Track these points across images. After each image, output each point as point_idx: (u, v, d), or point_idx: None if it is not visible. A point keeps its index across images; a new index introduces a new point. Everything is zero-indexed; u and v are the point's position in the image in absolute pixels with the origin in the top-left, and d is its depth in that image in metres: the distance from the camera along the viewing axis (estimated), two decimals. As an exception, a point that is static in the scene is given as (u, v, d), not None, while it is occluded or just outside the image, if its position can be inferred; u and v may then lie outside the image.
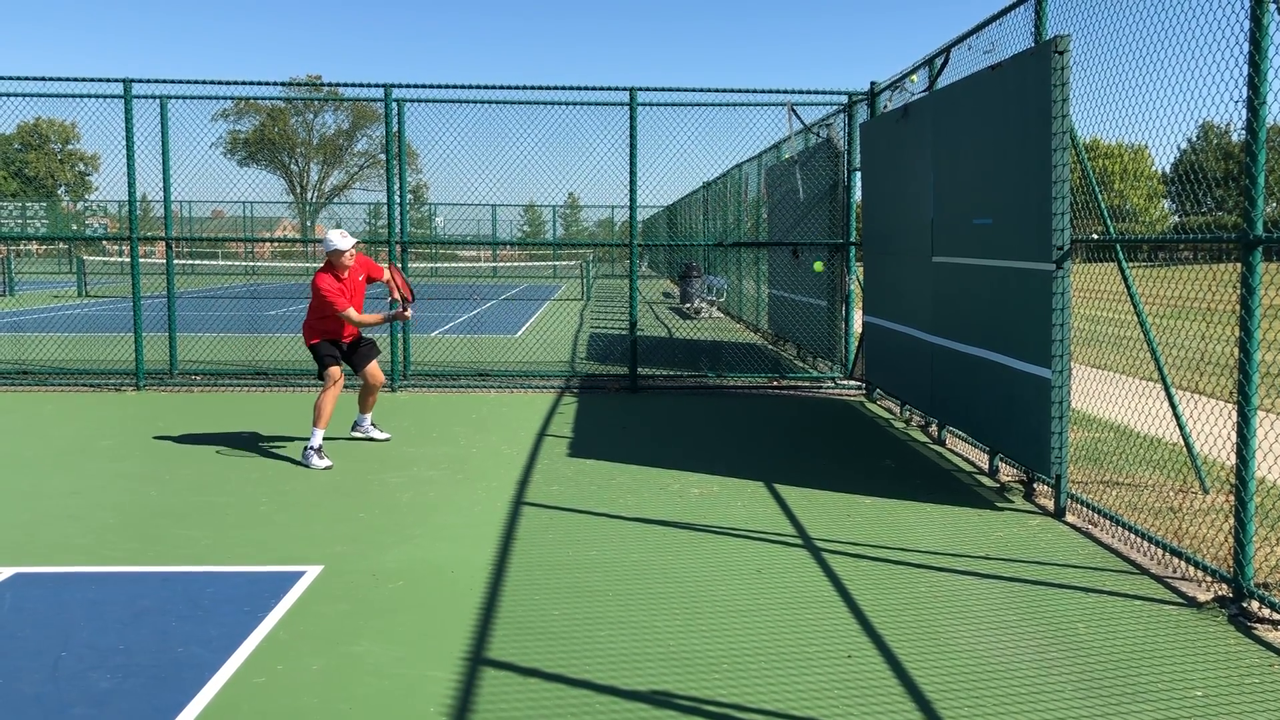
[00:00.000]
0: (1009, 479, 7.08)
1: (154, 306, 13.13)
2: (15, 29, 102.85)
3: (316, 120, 69.11)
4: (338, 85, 13.41)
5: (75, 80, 11.01)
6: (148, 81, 10.96)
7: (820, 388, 11.56)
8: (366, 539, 5.70)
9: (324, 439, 7.66)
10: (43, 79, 11.02)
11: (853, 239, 11.47)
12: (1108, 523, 5.90)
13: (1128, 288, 6.37)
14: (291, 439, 8.35)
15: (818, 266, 6.61)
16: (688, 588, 4.92)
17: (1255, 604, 4.54)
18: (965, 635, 4.33)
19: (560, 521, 6.07)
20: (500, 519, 6.10)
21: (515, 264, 44.25)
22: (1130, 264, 6.44)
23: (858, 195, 11.10)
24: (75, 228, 48.69)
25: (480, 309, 23.24)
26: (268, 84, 12.31)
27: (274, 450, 7.99)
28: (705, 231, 23.68)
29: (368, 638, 4.30)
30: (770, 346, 15.38)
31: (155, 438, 8.45)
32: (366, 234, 10.08)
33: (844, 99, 11.38)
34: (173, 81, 11.11)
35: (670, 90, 11.50)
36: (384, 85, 10.94)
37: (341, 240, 7.74)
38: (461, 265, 41.96)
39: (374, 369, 8.15)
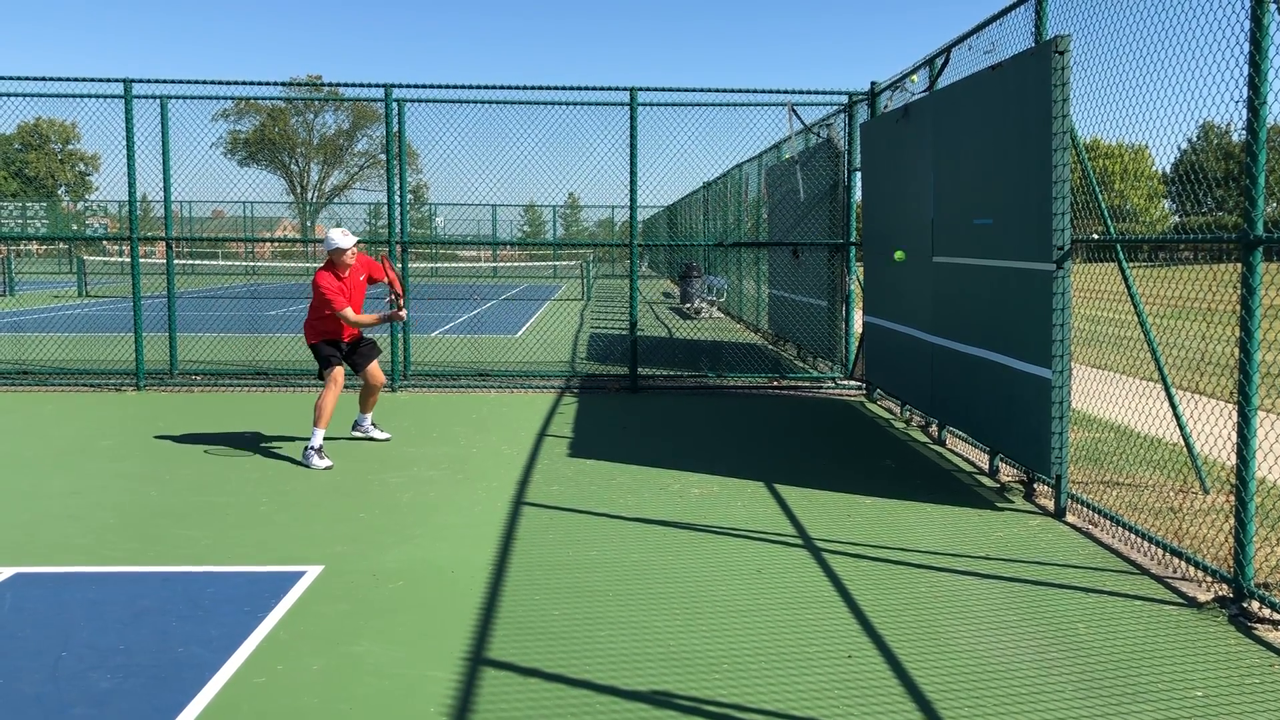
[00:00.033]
0: (1009, 479, 7.08)
1: (154, 306, 13.13)
2: (15, 29, 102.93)
3: (317, 120, 69.17)
4: (338, 85, 13.41)
5: (75, 80, 11.02)
6: (148, 81, 10.97)
7: (820, 388, 11.56)
8: (367, 539, 5.70)
9: (324, 439, 7.66)
10: (43, 79, 11.02)
11: (853, 239, 11.47)
12: (1108, 523, 5.90)
13: (1128, 288, 6.37)
14: (292, 439, 8.35)
15: (899, 255, 6.52)
16: (688, 588, 4.92)
17: (1255, 604, 4.54)
18: (965, 635, 4.33)
19: (560, 521, 6.07)
20: (500, 519, 6.10)
21: (515, 264, 44.26)
22: (1130, 264, 6.44)
23: (858, 195, 11.10)
24: (75, 228, 48.70)
25: (480, 309, 23.24)
26: (268, 84, 12.33)
27: (274, 450, 7.99)
28: (705, 231, 23.68)
29: (368, 638, 4.30)
30: (770, 347, 15.38)
31: (155, 438, 8.45)
32: (366, 234, 10.09)
33: (844, 99, 11.38)
34: (173, 81, 11.12)
35: (671, 90, 11.51)
36: (384, 85, 10.95)
37: (343, 239, 7.74)
38: (462, 265, 41.96)
39: (375, 369, 8.15)
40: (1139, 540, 5.55)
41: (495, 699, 3.73)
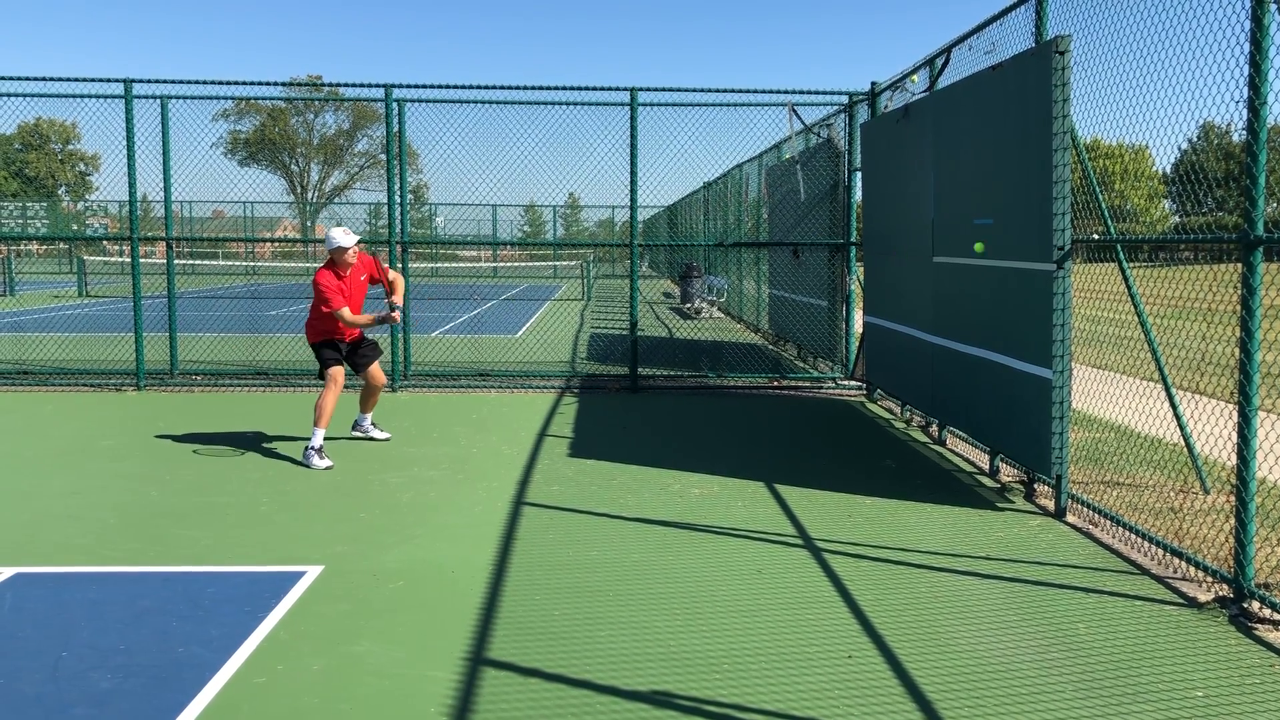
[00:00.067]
0: (1009, 479, 7.08)
1: (154, 306, 13.13)
2: (15, 29, 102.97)
3: (317, 120, 69.20)
4: (338, 85, 13.42)
5: (76, 80, 11.02)
6: (148, 81, 10.97)
7: (821, 388, 11.56)
8: (367, 539, 5.70)
9: (324, 439, 7.66)
10: (43, 79, 11.03)
11: (853, 239, 11.47)
12: (1108, 523, 5.90)
13: (1128, 288, 6.37)
14: (292, 439, 8.36)
15: (979, 248, 6.49)
16: (688, 588, 4.92)
17: (1256, 604, 4.54)
18: (966, 635, 4.33)
19: (561, 521, 6.07)
20: (501, 519, 6.10)
21: (516, 264, 44.26)
22: (1131, 264, 6.44)
23: (858, 195, 11.10)
24: (76, 228, 48.71)
25: (481, 309, 23.25)
26: (268, 84, 12.33)
27: (274, 450, 7.99)
28: (706, 231, 23.68)
29: (368, 638, 4.30)
30: (771, 347, 15.38)
31: (155, 438, 8.45)
32: (367, 234, 10.11)
33: (844, 99, 11.38)
34: (173, 81, 11.12)
35: (671, 90, 11.51)
36: (384, 85, 10.95)
37: (344, 238, 7.74)
38: (462, 265, 41.97)
39: (376, 370, 8.15)
40: (1139, 540, 5.55)
41: (496, 699, 3.73)
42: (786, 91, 11.49)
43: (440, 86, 11.34)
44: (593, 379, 11.82)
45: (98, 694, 3.75)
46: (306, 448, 7.52)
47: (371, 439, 8.39)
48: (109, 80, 10.90)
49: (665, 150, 12.07)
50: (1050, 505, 6.41)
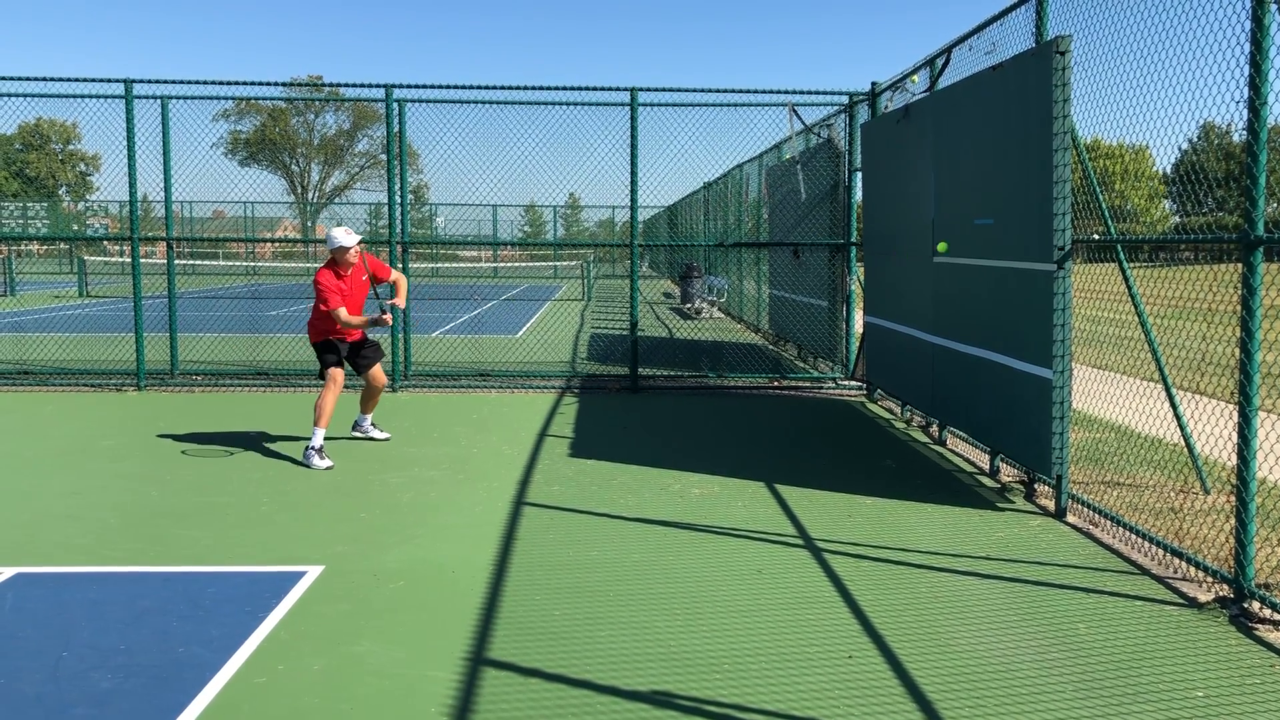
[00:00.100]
0: (1010, 479, 7.08)
1: (155, 307, 13.14)
2: (15, 29, 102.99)
3: (317, 120, 69.21)
4: (339, 85, 13.43)
5: (76, 80, 11.02)
6: (149, 82, 10.97)
7: (821, 388, 11.56)
8: (367, 539, 5.70)
9: (324, 439, 7.66)
10: (44, 79, 11.03)
11: (853, 239, 11.47)
12: (1108, 523, 5.90)
13: (1129, 288, 6.37)
14: (292, 439, 8.36)
15: (942, 247, 6.50)
16: (688, 588, 4.92)
17: (1256, 604, 4.54)
18: (966, 636, 4.33)
19: (561, 522, 6.07)
20: (501, 519, 6.10)
21: (516, 264, 44.27)
22: (1131, 264, 6.44)
23: (858, 195, 11.10)
24: (76, 228, 48.72)
25: (481, 309, 23.25)
26: (269, 84, 12.34)
27: (275, 450, 7.99)
28: (706, 232, 23.68)
29: (369, 638, 4.30)
30: (771, 347, 15.38)
31: (156, 438, 8.45)
32: (367, 234, 10.11)
33: (845, 99, 11.38)
34: (174, 82, 11.12)
35: (671, 90, 11.51)
36: (385, 85, 10.95)
37: (345, 237, 7.74)
38: (462, 265, 41.97)
39: (377, 371, 8.16)
40: (1139, 540, 5.55)
41: (496, 699, 3.73)
42: (787, 91, 11.50)
43: (440, 86, 11.36)
44: (593, 379, 11.82)
45: (98, 694, 3.75)
46: (307, 448, 7.52)
47: (372, 439, 8.39)
48: (109, 80, 10.91)
49: (665, 150, 12.10)
50: (1050, 505, 6.41)
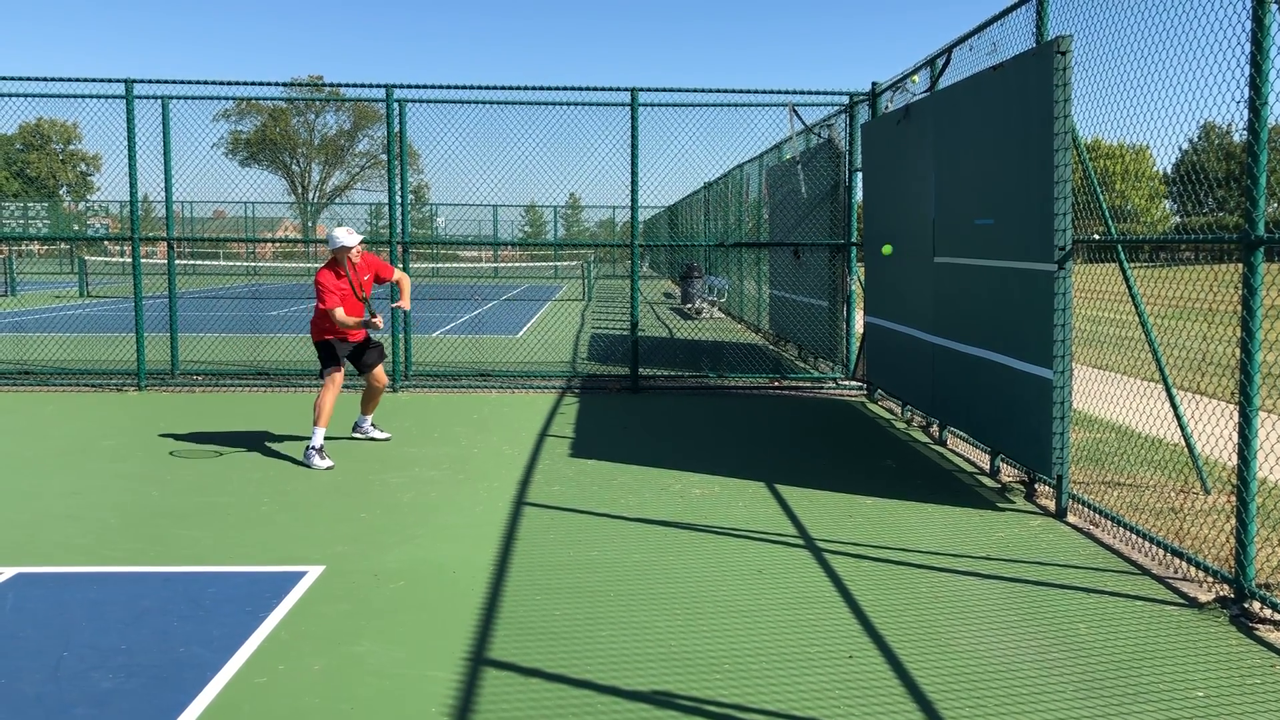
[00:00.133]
0: (1010, 479, 7.08)
1: (155, 307, 13.14)
2: (16, 29, 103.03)
3: (318, 121, 69.23)
4: (339, 86, 13.44)
5: (77, 80, 11.03)
6: (149, 82, 10.97)
7: (821, 388, 11.56)
8: (368, 539, 5.70)
9: (325, 438, 7.65)
10: (44, 79, 11.03)
11: (854, 239, 11.47)
12: (1109, 523, 5.90)
13: (1129, 288, 6.36)
14: (293, 439, 8.36)
15: (886, 250, 6.57)
16: (689, 588, 4.92)
17: (1257, 604, 4.54)
18: (966, 636, 4.33)
19: (561, 522, 6.07)
20: (502, 519, 6.10)
21: (516, 264, 44.27)
22: (1131, 264, 6.44)
23: (859, 196, 11.10)
24: (77, 228, 48.73)
25: (481, 309, 23.25)
26: (269, 84, 12.35)
27: (275, 450, 7.99)
28: (706, 232, 23.68)
29: (369, 638, 4.30)
30: (771, 347, 15.38)
31: (157, 437, 8.45)
32: (368, 234, 10.11)
33: (845, 99, 11.38)
34: (174, 82, 11.13)
35: (672, 90, 11.52)
36: (385, 86, 10.95)
37: (347, 237, 7.74)
38: (463, 265, 41.98)
39: (379, 371, 8.16)
40: (1140, 540, 5.55)
41: (496, 699, 3.73)
42: (787, 92, 11.50)
43: (441, 87, 11.36)
44: (594, 379, 11.82)
45: (98, 694, 3.75)
46: (307, 447, 7.52)
47: (372, 439, 8.39)
48: (110, 80, 10.91)
49: (666, 150, 12.11)
50: (1051, 505, 6.41)
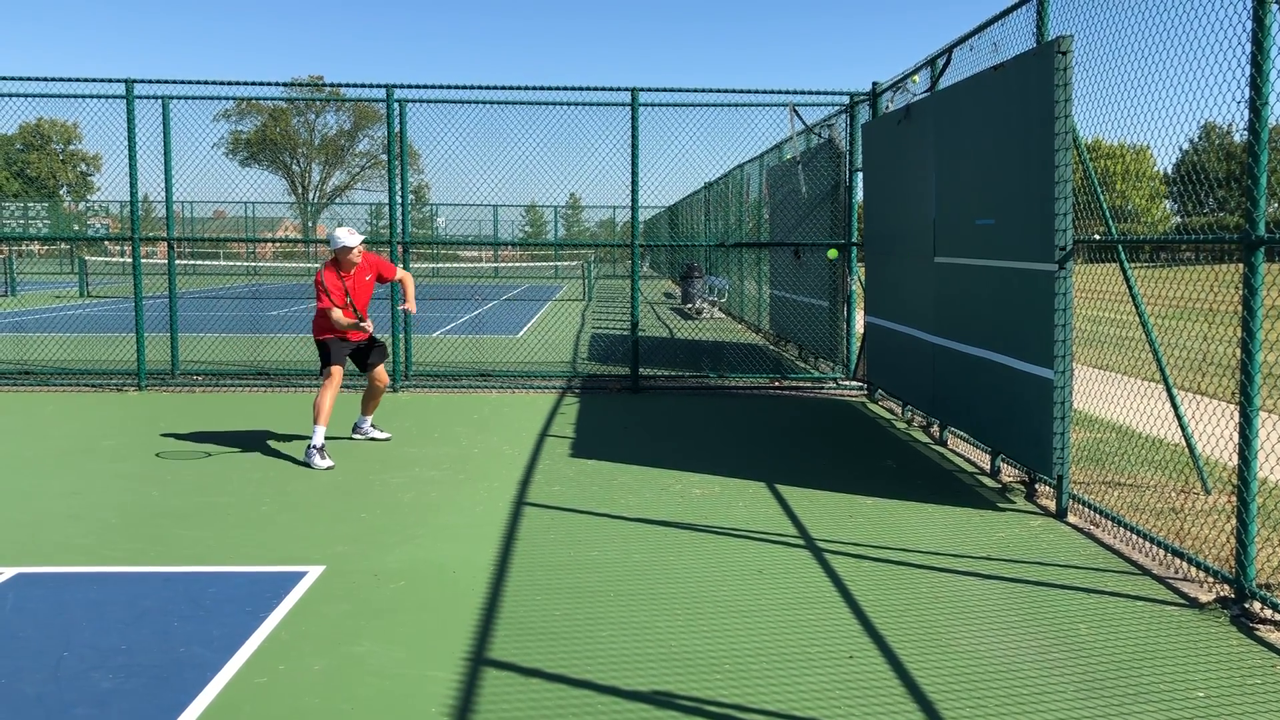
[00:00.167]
0: (1010, 479, 7.08)
1: (156, 307, 13.14)
2: (16, 29, 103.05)
3: (318, 121, 69.25)
4: (339, 86, 13.44)
5: (77, 80, 11.03)
6: (149, 82, 10.97)
7: (822, 388, 11.56)
8: (368, 539, 5.70)
9: (325, 438, 7.64)
10: (44, 79, 11.04)
11: (854, 239, 11.47)
12: (1109, 523, 5.90)
13: (1130, 288, 6.36)
14: (293, 439, 8.36)
15: (832, 254, 6.62)
16: (689, 588, 4.92)
17: (1257, 605, 4.53)
18: (967, 636, 4.33)
19: (562, 522, 6.07)
20: (502, 519, 6.10)
21: (517, 264, 44.27)
22: (1132, 264, 6.43)
23: (859, 196, 11.10)
24: (77, 228, 48.73)
25: (482, 309, 23.25)
26: (270, 84, 12.36)
27: (275, 450, 7.99)
28: (707, 232, 23.68)
29: (369, 638, 4.30)
30: (772, 347, 15.38)
31: (157, 437, 8.45)
32: (368, 234, 10.08)
33: (846, 99, 11.38)
34: (174, 82, 11.12)
35: (672, 90, 11.52)
36: (386, 86, 10.95)
37: (348, 238, 7.74)
38: (463, 265, 41.98)
39: (381, 371, 8.16)
40: (1140, 541, 5.55)
41: (497, 699, 3.73)
42: (787, 92, 11.50)
43: (441, 87, 11.36)
44: (594, 379, 11.82)
45: (99, 694, 3.75)
46: (309, 446, 7.52)
47: (373, 439, 8.39)
48: (110, 80, 10.91)
49: (666, 150, 12.12)
50: (1051, 506, 6.41)
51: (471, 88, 11.31)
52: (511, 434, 8.69)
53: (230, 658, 4.06)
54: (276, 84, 13.78)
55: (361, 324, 7.77)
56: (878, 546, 5.59)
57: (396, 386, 11.15)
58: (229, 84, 11.49)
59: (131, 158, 10.92)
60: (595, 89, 11.18)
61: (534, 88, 11.18)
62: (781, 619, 4.53)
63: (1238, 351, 4.65)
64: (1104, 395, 9.07)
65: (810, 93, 11.47)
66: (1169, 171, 6.61)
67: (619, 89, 11.00)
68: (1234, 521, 4.71)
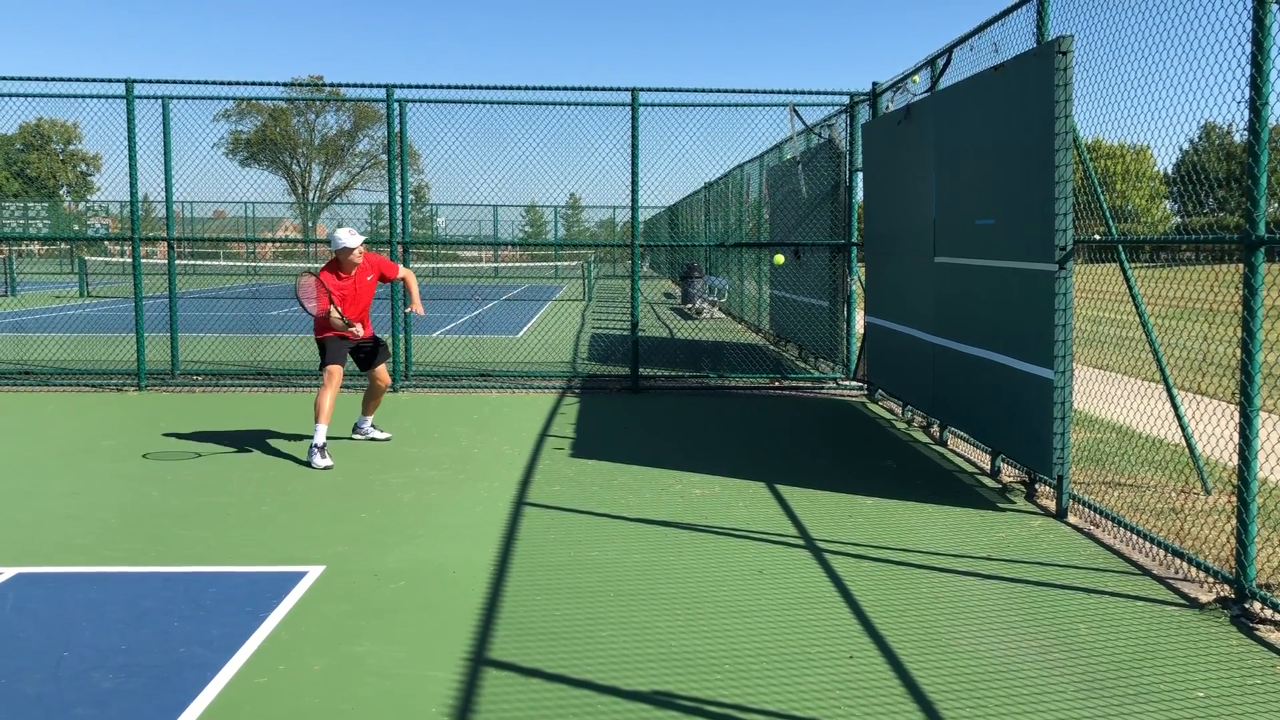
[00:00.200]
0: (1011, 480, 7.08)
1: (156, 307, 13.14)
2: (16, 29, 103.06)
3: (318, 121, 69.25)
4: (339, 86, 13.45)
5: (77, 80, 11.03)
6: (149, 82, 10.97)
7: (822, 388, 11.56)
8: (368, 539, 5.70)
9: (326, 437, 7.64)
10: (44, 79, 11.04)
11: (854, 239, 11.47)
12: (1110, 523, 5.90)
13: (1130, 288, 6.36)
14: (293, 438, 8.36)
15: (778, 259, 6.67)
16: (689, 588, 4.92)
17: (1257, 605, 4.53)
18: (967, 636, 4.33)
19: (562, 522, 6.07)
20: (502, 519, 6.10)
21: (517, 264, 44.27)
22: (1132, 264, 6.43)
23: (859, 196, 11.10)
24: (77, 228, 48.73)
25: (482, 309, 23.25)
26: (270, 84, 12.37)
27: (275, 450, 7.99)
28: (707, 232, 23.68)
29: (369, 638, 4.30)
30: (772, 347, 15.38)
31: (158, 437, 8.45)
32: (369, 234, 10.04)
33: (846, 100, 11.38)
34: (174, 82, 11.13)
35: (672, 90, 11.52)
36: (386, 86, 10.95)
37: (349, 238, 7.74)
38: (463, 266, 41.98)
39: (382, 371, 8.17)
40: (1141, 541, 5.55)
41: (497, 699, 3.73)
42: (788, 92, 11.50)
43: (441, 87, 11.36)
44: (594, 379, 11.82)
45: (99, 694, 3.75)
46: (311, 445, 7.51)
47: (373, 440, 8.39)
48: (110, 80, 10.91)
49: (666, 150, 12.13)
50: (1051, 506, 6.41)
51: (471, 88, 11.32)
52: (511, 434, 8.69)
53: (230, 658, 4.06)
54: (276, 84, 13.80)
55: (350, 327, 7.74)
56: (878, 546, 5.59)
57: (397, 386, 11.15)
58: (229, 84, 11.50)
59: (131, 158, 10.92)
60: (595, 89, 11.19)
61: (534, 88, 11.19)
62: (781, 619, 4.53)
63: (1238, 351, 4.65)
64: (1104, 395, 9.07)
65: (810, 93, 11.47)
66: (1169, 171, 6.62)
67: (619, 89, 11.01)
68: (1234, 521, 4.71)
